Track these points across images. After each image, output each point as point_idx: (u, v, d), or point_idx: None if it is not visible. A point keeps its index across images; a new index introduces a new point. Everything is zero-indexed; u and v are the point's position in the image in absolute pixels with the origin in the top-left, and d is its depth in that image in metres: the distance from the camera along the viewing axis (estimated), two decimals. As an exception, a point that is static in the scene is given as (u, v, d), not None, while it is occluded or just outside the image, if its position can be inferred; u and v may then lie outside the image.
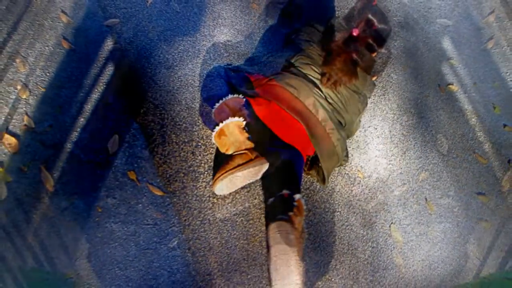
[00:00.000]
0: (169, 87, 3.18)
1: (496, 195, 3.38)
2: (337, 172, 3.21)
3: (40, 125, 2.90)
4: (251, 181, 2.89)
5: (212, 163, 3.04)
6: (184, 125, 3.08)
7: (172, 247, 2.80)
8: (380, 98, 3.49)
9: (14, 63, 3.02)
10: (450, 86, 3.65)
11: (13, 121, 2.87)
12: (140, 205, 2.85)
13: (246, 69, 3.19)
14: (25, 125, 2.87)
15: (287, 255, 2.53)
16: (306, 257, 2.92)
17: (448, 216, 3.25)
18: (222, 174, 2.68)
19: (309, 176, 3.13)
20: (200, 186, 2.97)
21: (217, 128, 2.68)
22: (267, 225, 2.69)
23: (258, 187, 3.04)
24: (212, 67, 3.26)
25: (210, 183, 2.99)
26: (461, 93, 3.63)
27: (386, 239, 3.11)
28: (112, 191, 2.85)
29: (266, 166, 2.79)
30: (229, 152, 2.73)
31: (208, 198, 2.95)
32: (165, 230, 2.83)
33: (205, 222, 2.89)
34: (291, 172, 2.82)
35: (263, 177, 2.92)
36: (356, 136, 3.32)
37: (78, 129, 2.93)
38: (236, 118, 2.68)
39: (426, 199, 3.27)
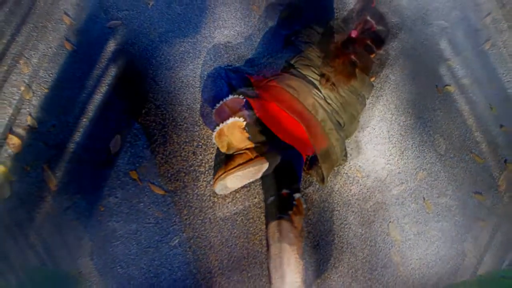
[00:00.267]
0: (170, 88, 3.19)
1: (492, 194, 3.38)
2: (336, 171, 3.22)
3: (43, 126, 2.90)
4: (251, 180, 2.90)
5: (212, 163, 3.05)
6: (185, 125, 3.09)
7: (173, 246, 2.80)
8: (379, 98, 3.50)
9: (17, 65, 3.03)
10: (448, 87, 3.65)
11: (17, 121, 2.87)
12: (142, 204, 2.86)
13: (246, 70, 3.21)
14: (28, 125, 2.88)
15: (286, 253, 2.54)
16: (306, 256, 2.92)
17: (446, 215, 3.26)
18: (222, 174, 2.70)
19: (308, 176, 3.14)
20: (201, 185, 2.98)
21: (218, 128, 2.70)
22: (267, 224, 2.71)
23: (258, 186, 3.04)
24: (212, 68, 3.28)
25: (211, 182, 2.99)
26: (458, 94, 3.64)
27: (384, 237, 3.12)
28: (114, 190, 2.86)
29: (266, 166, 2.79)
30: (230, 152, 2.75)
31: (208, 197, 2.96)
32: (166, 229, 2.84)
33: (206, 221, 2.90)
34: (290, 171, 2.84)
35: (263, 177, 2.93)
36: (355, 136, 3.33)
37: (81, 129, 2.94)
38: (236, 119, 2.69)
39: (424, 198, 3.28)
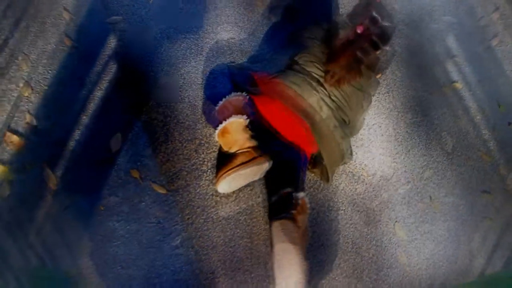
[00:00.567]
0: (172, 85, 3.18)
1: (501, 193, 3.39)
2: (341, 170, 3.21)
3: (43, 123, 2.89)
4: (254, 179, 2.90)
5: (215, 161, 3.04)
6: (187, 123, 3.09)
7: (175, 246, 2.80)
8: (384, 95, 3.49)
9: (16, 61, 3.02)
10: (455, 84, 3.65)
11: (16, 119, 2.87)
12: (143, 203, 2.85)
13: (250, 66, 3.20)
14: (28, 123, 2.87)
15: (290, 253, 2.54)
16: (310, 256, 2.91)
17: (453, 214, 3.26)
18: (225, 172, 2.69)
19: (313, 174, 3.13)
20: (203, 184, 2.97)
21: (220, 126, 2.69)
22: (270, 224, 2.70)
23: (261, 185, 3.03)
24: (215, 64, 3.28)
25: (213, 181, 2.98)
26: (465, 91, 3.64)
27: (391, 237, 3.11)
28: (115, 189, 2.85)
29: (269, 164, 2.79)
30: (232, 151, 2.73)
31: (211, 196, 2.96)
32: (168, 229, 2.83)
33: (208, 220, 2.90)
34: (294, 170, 2.83)
35: (267, 175, 2.92)
36: (360, 134, 3.32)
37: (81, 127, 2.93)
38: (239, 116, 2.69)
39: (430, 197, 3.27)
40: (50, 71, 3.04)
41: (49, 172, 2.78)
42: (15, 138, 2.80)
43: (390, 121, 3.42)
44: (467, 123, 3.55)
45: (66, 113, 2.95)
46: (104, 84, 3.09)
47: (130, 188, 2.86)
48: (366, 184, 3.21)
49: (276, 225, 2.60)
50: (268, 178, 2.97)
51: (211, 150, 3.06)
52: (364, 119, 3.27)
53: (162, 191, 2.89)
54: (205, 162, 3.02)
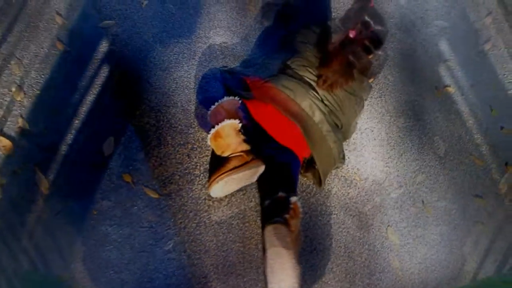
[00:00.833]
0: (165, 89, 3.20)
1: (493, 197, 3.40)
2: (333, 174, 3.23)
3: (35, 127, 2.92)
4: (247, 183, 2.91)
5: (207, 166, 3.06)
6: (179, 127, 3.11)
7: (167, 250, 2.82)
8: (377, 100, 3.51)
9: (8, 65, 3.04)
10: (447, 88, 3.67)
11: (8, 123, 2.89)
12: (136, 207, 2.87)
13: (242, 71, 3.21)
14: (20, 127, 2.89)
15: (283, 257, 2.53)
16: (302, 260, 2.93)
17: (445, 218, 3.28)
18: (218, 177, 2.68)
19: (305, 179, 3.15)
20: (196, 188, 2.99)
21: (213, 130, 2.69)
22: (263, 228, 2.69)
23: (254, 189, 3.06)
24: (207, 69, 3.29)
25: (206, 185, 3.00)
26: (458, 95, 3.66)
27: (383, 241, 3.13)
28: (107, 193, 2.87)
29: (262, 169, 2.80)
30: (225, 155, 2.73)
31: (203, 201, 2.97)
32: (160, 233, 2.84)
33: (200, 224, 2.91)
34: (287, 174, 2.83)
35: (259, 180, 2.93)
36: (353, 139, 3.34)
37: (73, 131, 2.95)
38: (232, 120, 2.69)
39: (423, 201, 3.30)
40: (42, 75, 3.06)
41: (41, 176, 2.80)
42: (7, 142, 2.82)
43: (382, 125, 3.44)
44: (460, 127, 3.57)
45: (59, 117, 2.97)
46: (96, 88, 3.11)
47: (123, 192, 2.88)
48: (358, 188, 3.23)
49: (269, 229, 2.60)
50: (261, 183, 2.98)
51: (204, 154, 3.08)
52: (356, 123, 3.30)
53: (154, 195, 2.91)
54: (198, 167, 3.04)
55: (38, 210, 2.73)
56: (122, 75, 3.19)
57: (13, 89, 2.98)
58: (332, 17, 3.75)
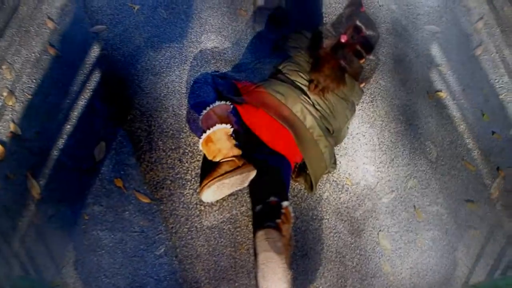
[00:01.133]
0: (156, 94, 3.22)
1: (485, 202, 3.43)
2: (325, 179, 3.25)
3: (27, 132, 2.94)
4: (238, 188, 2.92)
5: (199, 170, 3.07)
6: (171, 132, 3.13)
7: (159, 255, 2.83)
8: (368, 105, 3.54)
9: (0, 70, 3.07)
10: (439, 92, 3.70)
11: (-1, 128, 2.92)
12: (127, 212, 2.89)
13: (234, 75, 3.23)
14: (11, 132, 2.91)
15: (274, 262, 2.55)
16: (294, 265, 2.96)
17: (437, 223, 3.31)
18: (209, 181, 2.69)
19: (296, 183, 3.17)
20: (187, 193, 3.01)
21: (204, 135, 2.71)
22: (254, 233, 2.70)
23: (245, 194, 3.08)
24: (199, 73, 3.31)
25: (197, 190, 3.02)
26: (449, 100, 3.69)
27: (374, 246, 3.16)
28: (99, 198, 2.89)
29: (253, 173, 2.82)
30: (216, 159, 2.74)
31: (195, 206, 2.99)
32: (152, 238, 2.86)
33: (192, 229, 2.93)
34: (278, 179, 2.85)
35: (251, 184, 2.94)
36: (344, 143, 3.36)
37: (65, 136, 2.97)
38: (224, 125, 2.70)
39: (414, 206, 3.32)
40: (34, 80, 3.08)
41: (33, 181, 2.82)
42: (-2, 147, 2.85)
43: (374, 130, 3.47)
44: (451, 132, 3.60)
45: (50, 122, 2.99)
46: (88, 93, 3.13)
47: (114, 197, 2.91)
48: (350, 193, 3.26)
49: (260, 234, 2.62)
50: (253, 187, 3.00)
51: (195, 159, 3.10)
52: (348, 128, 3.33)
53: (146, 200, 2.93)
54: (189, 171, 3.06)
55: (29, 215, 2.75)
56: (113, 80, 3.22)
57: (5, 94, 3.00)
58: (324, 22, 3.78)
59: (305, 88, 2.96)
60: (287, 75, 3.01)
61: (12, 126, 2.92)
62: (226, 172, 2.69)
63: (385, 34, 3.83)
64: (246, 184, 2.92)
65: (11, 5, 3.27)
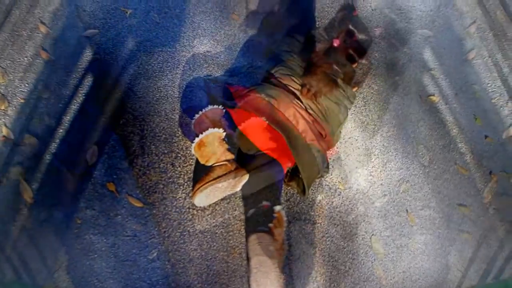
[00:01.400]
0: (149, 98, 3.25)
1: (477, 206, 3.43)
2: (317, 183, 3.27)
3: (19, 136, 2.96)
4: (231, 192, 2.93)
5: (191, 175, 3.09)
6: (163, 136, 3.15)
7: (151, 259, 2.85)
8: (361, 109, 3.56)
9: (-8, 74, 3.08)
10: (431, 97, 3.72)
11: (-9, 132, 2.93)
12: (119, 216, 2.91)
13: (226, 80, 3.25)
14: (4, 136, 2.93)
15: (267, 267, 2.58)
16: (286, 269, 2.97)
17: (429, 227, 3.32)
18: (201, 186, 2.69)
19: (289, 188, 3.19)
20: (180, 197, 3.03)
21: (197, 139, 2.71)
22: (247, 237, 2.74)
23: (238, 198, 3.09)
24: (191, 78, 3.33)
25: (190, 194, 3.04)
26: (442, 104, 3.70)
27: (367, 250, 3.17)
28: (91, 202, 2.91)
29: (246, 178, 2.83)
30: (209, 164, 2.74)
31: (187, 210, 3.01)
32: (144, 242, 2.88)
33: (184, 233, 2.95)
34: (271, 183, 2.87)
35: (243, 189, 2.96)
36: (337, 147, 3.38)
37: (57, 140, 3.00)
38: (216, 129, 2.71)
39: (407, 210, 3.33)
40: (26, 84, 3.11)
41: (26, 185, 2.84)
42: (-10, 151, 2.86)
43: (366, 134, 3.49)
44: (444, 136, 3.61)
45: (43, 126, 3.01)
46: (80, 97, 3.15)
47: (107, 201, 2.93)
48: (342, 197, 3.28)
49: (253, 238, 2.65)
50: (245, 191, 3.01)
51: (188, 163, 3.12)
52: (340, 132, 3.35)
53: (138, 204, 2.95)
54: (182, 175, 3.09)
55: (22, 219, 2.77)
56: (105, 84, 3.24)
57: (-3, 98, 3.02)
58: (317, 26, 3.80)
59: (297, 93, 2.99)
60: (280, 80, 3.03)
61: (4, 130, 2.94)
62: (219, 176, 2.70)
63: (378, 38, 3.86)
64: (238, 188, 2.94)
65: (4, 9, 3.29)
